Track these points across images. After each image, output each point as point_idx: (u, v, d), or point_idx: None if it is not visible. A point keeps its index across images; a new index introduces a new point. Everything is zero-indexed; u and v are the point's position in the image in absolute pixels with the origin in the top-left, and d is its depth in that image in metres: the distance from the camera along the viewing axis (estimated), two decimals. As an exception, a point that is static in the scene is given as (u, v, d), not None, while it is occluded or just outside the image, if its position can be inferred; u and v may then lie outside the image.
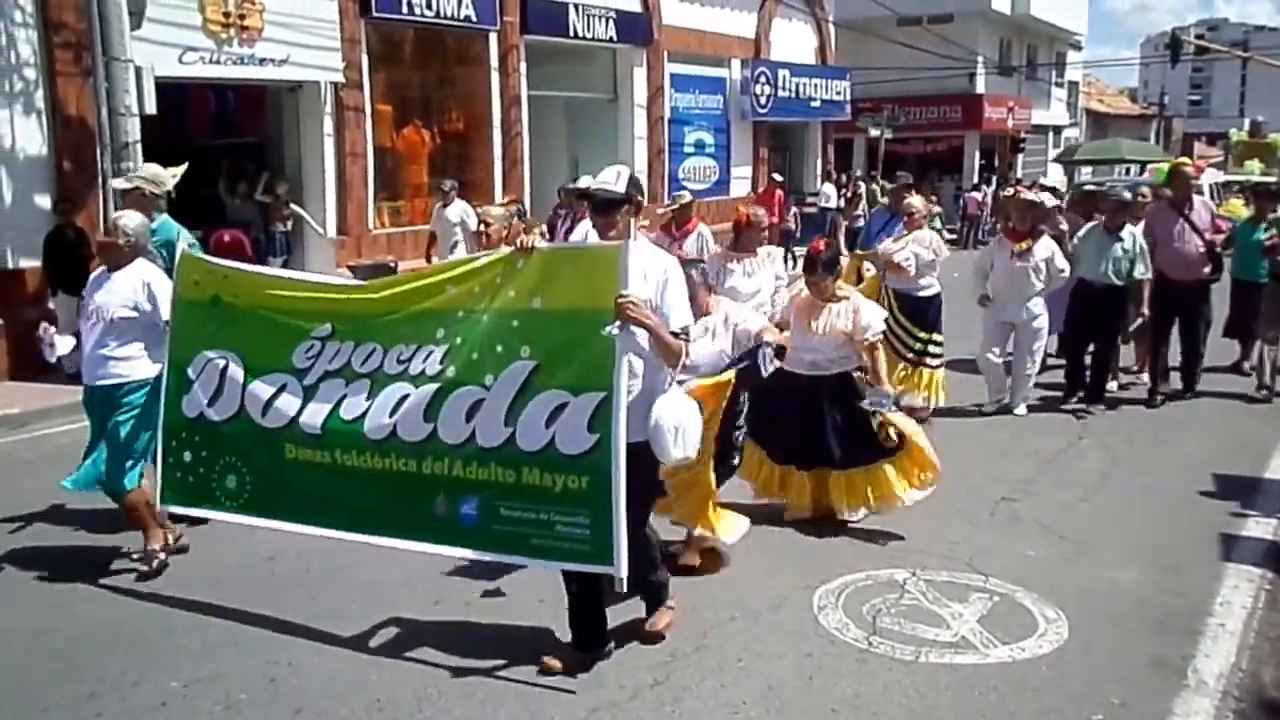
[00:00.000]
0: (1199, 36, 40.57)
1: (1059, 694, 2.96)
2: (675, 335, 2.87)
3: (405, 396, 3.09)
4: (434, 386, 3.05)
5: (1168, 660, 3.14)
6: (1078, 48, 30.28)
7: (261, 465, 3.39)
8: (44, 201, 7.67)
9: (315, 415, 3.23)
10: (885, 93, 20.01)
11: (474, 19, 10.74)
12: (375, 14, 9.79)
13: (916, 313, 6.03)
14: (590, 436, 2.84)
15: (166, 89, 7.45)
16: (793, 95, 16.04)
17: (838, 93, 17.35)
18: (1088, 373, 6.37)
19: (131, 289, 3.75)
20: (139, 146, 6.87)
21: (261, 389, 3.35)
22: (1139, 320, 6.17)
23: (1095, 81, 36.07)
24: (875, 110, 18.46)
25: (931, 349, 6.06)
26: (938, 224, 18.73)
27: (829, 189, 16.69)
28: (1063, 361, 6.70)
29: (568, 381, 2.89)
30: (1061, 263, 6.01)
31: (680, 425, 2.83)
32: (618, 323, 2.75)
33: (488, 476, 2.98)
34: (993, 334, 6.18)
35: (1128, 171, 17.31)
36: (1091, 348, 6.39)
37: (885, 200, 8.93)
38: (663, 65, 13.69)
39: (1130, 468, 5.24)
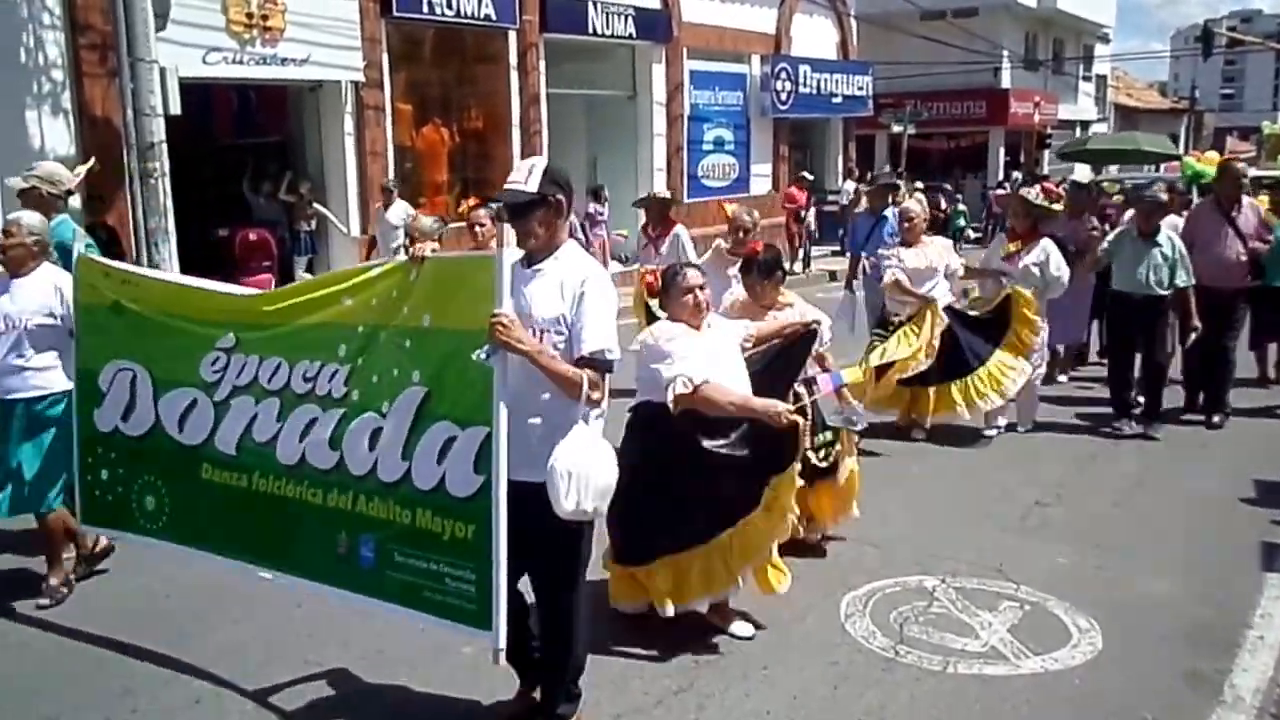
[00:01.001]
0: (1232, 28, 39.81)
1: (1092, 708, 2.89)
2: (586, 361, 2.41)
3: (314, 420, 2.83)
4: (340, 411, 2.78)
5: (1203, 674, 3.07)
6: (1106, 41, 29.78)
7: (179, 486, 3.17)
8: (73, 201, 7.74)
9: (229, 434, 3.01)
10: (908, 88, 19.76)
11: (494, 18, 10.74)
12: (396, 13, 9.81)
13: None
14: (477, 478, 2.48)
15: (190, 89, 7.49)
16: (814, 91, 15.88)
17: (859, 88, 17.16)
18: (1134, 393, 5.87)
19: (44, 295, 3.53)
20: (164, 146, 6.91)
21: (175, 402, 3.13)
22: (1193, 334, 5.64)
23: (1124, 75, 35.41)
24: (898, 106, 18.23)
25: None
26: (962, 222, 18.48)
27: (851, 186, 16.53)
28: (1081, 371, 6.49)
29: (453, 412, 2.54)
30: (1056, 268, 5.57)
31: (575, 472, 2.33)
32: (487, 347, 2.37)
33: (386, 515, 2.67)
34: None
35: (1157, 168, 16.90)
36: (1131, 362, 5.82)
37: (901, 204, 8.47)
38: (682, 62, 13.60)
39: (1167, 473, 5.12)
